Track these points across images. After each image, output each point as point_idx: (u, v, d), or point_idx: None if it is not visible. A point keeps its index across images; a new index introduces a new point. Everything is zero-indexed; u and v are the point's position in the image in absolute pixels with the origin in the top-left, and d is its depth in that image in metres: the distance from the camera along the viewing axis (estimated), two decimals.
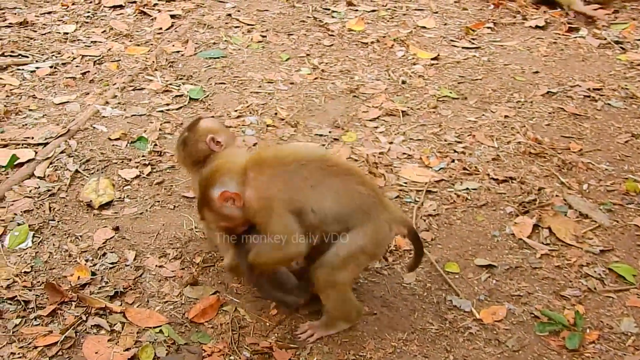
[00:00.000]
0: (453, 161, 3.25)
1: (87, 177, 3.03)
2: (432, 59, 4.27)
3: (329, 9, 5.00)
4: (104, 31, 4.47)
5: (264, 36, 4.50)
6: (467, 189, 3.06)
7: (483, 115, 3.66)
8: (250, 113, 3.58)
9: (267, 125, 3.48)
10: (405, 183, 3.10)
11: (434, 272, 2.62)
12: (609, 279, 2.57)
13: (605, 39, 4.54)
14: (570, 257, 2.67)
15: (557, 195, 3.01)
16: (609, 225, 2.84)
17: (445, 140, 3.42)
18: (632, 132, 3.49)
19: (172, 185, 3.03)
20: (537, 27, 4.78)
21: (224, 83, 3.88)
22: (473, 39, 4.59)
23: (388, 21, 4.87)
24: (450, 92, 3.88)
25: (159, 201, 2.93)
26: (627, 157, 3.29)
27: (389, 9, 5.08)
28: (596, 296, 2.50)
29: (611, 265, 2.62)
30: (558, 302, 2.48)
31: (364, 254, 2.18)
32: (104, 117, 3.49)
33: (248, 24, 4.66)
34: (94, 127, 3.39)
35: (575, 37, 4.60)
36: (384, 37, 4.56)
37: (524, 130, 3.50)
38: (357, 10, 5.01)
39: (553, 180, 3.12)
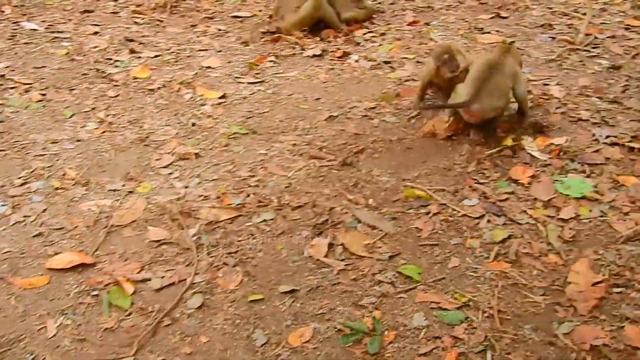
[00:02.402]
0: (248, 195, 3.37)
1: None
2: (219, 98, 4.40)
3: (111, 59, 4.96)
4: None
5: (43, 94, 4.36)
6: (265, 220, 3.19)
7: (273, 146, 3.84)
8: (35, 178, 3.46)
9: (56, 189, 3.38)
10: (206, 224, 3.16)
11: (242, 307, 2.70)
12: (399, 281, 2.81)
13: (376, 60, 4.94)
14: (364, 268, 2.88)
15: (346, 212, 3.23)
16: (395, 232, 3.10)
17: (240, 177, 3.54)
18: (405, 143, 3.83)
19: None
20: (314, 56, 5.09)
21: (3, 150, 3.71)
22: (257, 74, 4.79)
23: (173, 65, 4.93)
24: (240, 128, 4.01)
25: None
26: (403, 166, 3.61)
27: (172, 52, 5.14)
28: (390, 299, 2.72)
29: (399, 268, 2.87)
30: (357, 312, 2.67)
31: None
32: None
33: (25, 83, 4.49)
34: None
35: (349, 62, 4.96)
36: (170, 81, 4.62)
37: (311, 155, 3.71)
38: (140, 57, 5.02)
39: (342, 198, 3.35)
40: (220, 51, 5.18)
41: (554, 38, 5.28)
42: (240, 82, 4.66)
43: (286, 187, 3.44)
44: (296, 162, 3.67)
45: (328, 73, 4.79)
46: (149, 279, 2.84)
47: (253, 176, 3.54)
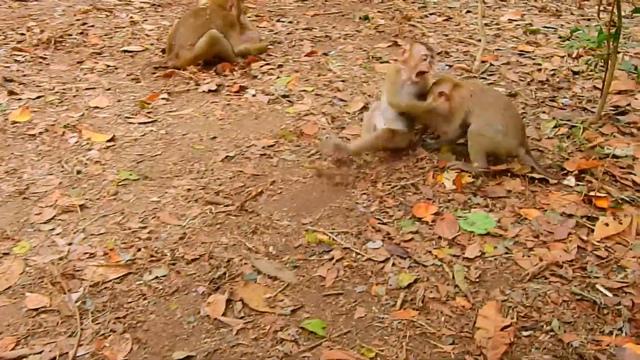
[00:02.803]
0: (139, 250, 3.12)
1: None
2: (107, 141, 4.12)
3: None
4: None
5: None
6: (157, 277, 2.96)
7: (166, 192, 3.60)
8: None
9: None
10: (92, 286, 2.89)
11: None
12: (303, 338, 2.64)
13: (274, 94, 4.79)
14: (265, 325, 2.70)
15: (245, 263, 3.04)
16: (297, 282, 2.94)
17: (130, 229, 3.28)
18: (306, 183, 3.68)
19: None
20: (210, 91, 4.89)
21: None
22: (149, 113, 4.54)
23: (57, 106, 4.61)
24: (131, 174, 3.76)
25: None
26: (304, 208, 3.46)
27: (57, 92, 4.81)
28: (293, 359, 2.55)
29: (303, 323, 2.70)
30: None
31: None
32: None
33: None
34: None
35: (247, 96, 4.79)
36: (53, 124, 4.30)
37: (207, 200, 3.50)
38: (20, 99, 4.67)
39: (240, 247, 3.16)
40: (109, 89, 4.89)
41: (451, 66, 5.31)
42: (130, 123, 4.39)
43: (180, 238, 3.22)
44: (191, 209, 3.45)
45: (224, 109, 4.60)
46: (26, 356, 2.54)
47: (144, 227, 3.30)
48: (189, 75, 5.10)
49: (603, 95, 4.06)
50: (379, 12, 6.88)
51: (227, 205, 3.48)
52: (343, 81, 5.04)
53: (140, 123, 4.39)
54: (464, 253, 3.10)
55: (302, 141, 4.14)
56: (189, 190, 3.62)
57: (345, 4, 7.24)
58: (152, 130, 4.29)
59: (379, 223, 3.34)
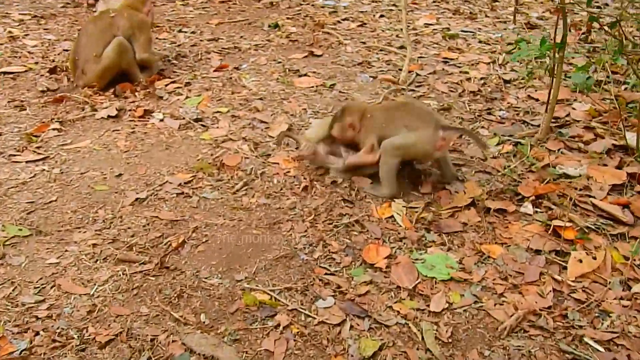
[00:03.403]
0: (37, 334, 2.50)
1: None
2: None
3: None
4: None
5: None
6: None
7: (66, 251, 2.98)
8: None
9: None
10: None
11: None
12: None
13: (184, 118, 4.22)
14: None
15: (174, 341, 2.49)
16: None
17: (23, 305, 2.65)
18: (232, 226, 3.17)
19: None
20: (109, 117, 4.25)
21: None
22: (39, 148, 3.86)
23: None
24: (20, 229, 3.10)
25: None
26: (236, 259, 2.95)
27: None
28: None
29: None
30: None
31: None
32: None
33: None
34: None
35: (153, 122, 4.19)
36: None
37: (119, 258, 2.91)
38: None
39: (165, 318, 2.61)
40: None
41: (374, 77, 4.92)
42: (16, 162, 3.70)
43: (89, 312, 2.62)
44: (99, 270, 2.86)
45: (129, 139, 3.99)
46: None
47: (42, 301, 2.68)
48: (83, 99, 4.44)
49: (549, 110, 3.77)
50: (288, 18, 6.41)
51: (143, 263, 2.91)
52: (261, 99, 4.54)
53: (28, 162, 3.71)
54: (428, 306, 2.69)
55: (224, 174, 3.61)
56: (94, 245, 3.02)
57: (250, 10, 6.73)
58: (43, 170, 3.63)
59: (326, 273, 2.88)
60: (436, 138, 3.25)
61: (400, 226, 3.19)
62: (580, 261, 2.87)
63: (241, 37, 5.86)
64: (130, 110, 4.35)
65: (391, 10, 6.82)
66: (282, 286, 2.79)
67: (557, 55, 3.64)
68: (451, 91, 4.71)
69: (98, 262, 2.91)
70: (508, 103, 4.51)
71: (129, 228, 3.15)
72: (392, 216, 3.26)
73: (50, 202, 3.34)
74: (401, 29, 6.00)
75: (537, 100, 4.54)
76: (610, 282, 2.79)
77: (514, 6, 6.57)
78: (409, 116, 3.37)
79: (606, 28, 3.48)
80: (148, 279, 2.82)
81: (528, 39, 3.81)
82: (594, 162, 3.62)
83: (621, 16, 3.40)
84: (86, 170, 3.65)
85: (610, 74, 4.70)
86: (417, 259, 2.95)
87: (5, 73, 4.85)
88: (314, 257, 2.98)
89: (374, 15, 6.61)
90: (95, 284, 2.77)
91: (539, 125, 4.09)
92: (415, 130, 3.28)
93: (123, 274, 2.83)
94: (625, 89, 4.56)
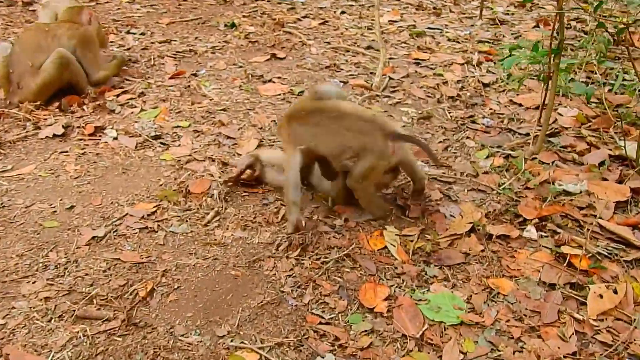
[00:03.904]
0: None
1: None
2: None
3: None
4: None
5: None
6: None
7: (13, 308, 2.54)
8: None
9: None
10: None
11: None
12: None
13: (140, 134, 3.78)
14: None
15: None
16: None
17: None
18: (196, 267, 2.78)
19: None
20: (55, 136, 3.78)
21: None
22: None
23: None
24: None
25: None
26: (215, 308, 2.57)
27: None
28: None
29: None
30: None
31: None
32: None
33: None
34: None
35: (106, 141, 3.73)
36: None
37: (78, 315, 2.49)
38: None
39: None
40: None
41: (345, 82, 4.56)
42: None
43: None
44: (55, 332, 2.43)
45: (79, 162, 3.54)
46: None
47: None
48: (23, 115, 3.94)
49: (544, 123, 3.49)
50: (244, 16, 5.98)
51: (107, 320, 2.49)
52: (224, 110, 4.14)
53: None
54: (440, 357, 2.37)
55: (191, 202, 3.20)
56: (47, 300, 2.58)
57: (202, 8, 6.25)
58: None
59: (320, 322, 2.52)
60: (388, 150, 2.90)
61: (396, 259, 2.85)
62: (601, 296, 2.59)
63: (196, 38, 5.41)
64: (78, 127, 3.88)
65: (352, 5, 6.47)
66: (272, 341, 2.42)
67: (552, 62, 3.35)
68: (428, 97, 4.40)
69: (53, 320, 2.49)
70: (490, 109, 4.22)
71: (86, 275, 2.73)
72: (386, 247, 2.92)
73: None
74: (366, 27, 5.69)
75: (520, 105, 4.27)
76: (635, 320, 2.52)
77: (479, 0, 6.29)
78: (349, 132, 2.92)
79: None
80: (114, 340, 2.41)
81: (518, 44, 3.49)
82: (593, 176, 3.36)
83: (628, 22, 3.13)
84: (32, 202, 3.18)
85: (595, 75, 4.47)
86: (420, 300, 2.62)
87: None
88: (304, 301, 2.62)
89: (334, 12, 6.24)
90: (51, 351, 2.34)
91: (527, 134, 3.82)
92: (360, 148, 2.89)
93: (84, 336, 2.41)
94: (610, 90, 4.33)
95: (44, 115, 3.99)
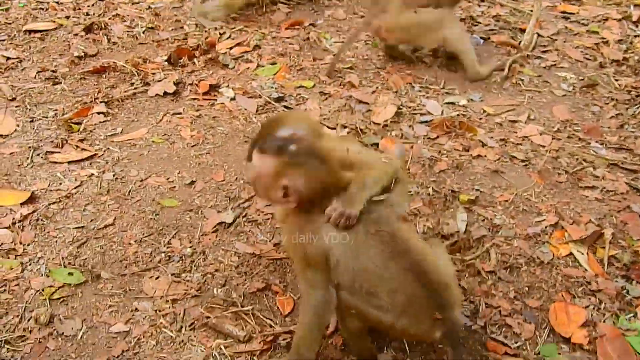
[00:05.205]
0: None
1: None
2: (22, 205, 2.57)
3: None
4: None
5: None
6: None
7: (136, 310, 2.15)
8: None
9: None
10: None
11: None
12: None
13: (260, 95, 3.32)
14: None
15: None
16: None
17: None
18: None
19: None
20: (166, 94, 3.34)
21: None
22: (81, 141, 3.00)
23: None
24: (71, 273, 2.28)
25: None
26: None
27: None
28: None
29: None
30: None
31: None
32: None
33: None
34: None
35: (222, 101, 3.29)
36: None
37: (211, 323, 2.08)
38: None
39: None
40: (13, 99, 3.26)
41: (486, 39, 3.94)
42: (55, 163, 2.84)
43: None
44: (187, 347, 2.03)
45: (195, 126, 3.11)
46: None
47: None
48: (130, 69, 3.51)
49: None
50: None
51: (246, 342, 2.06)
52: (351, 68, 3.60)
53: (70, 162, 2.84)
54: None
55: None
56: (174, 302, 2.18)
57: None
58: (92, 176, 2.76)
59: (505, 353, 2.03)
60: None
61: (586, 270, 2.31)
62: None
63: None
64: (190, 84, 3.43)
65: None
66: None
67: None
68: (587, 59, 3.75)
69: (183, 330, 2.08)
70: None
71: (216, 271, 2.32)
72: (571, 253, 2.38)
73: (105, 226, 2.49)
74: None
75: None
76: None
77: None
78: None
79: None
80: None
81: None
82: None
83: None
84: (147, 174, 2.78)
85: None
86: (627, 329, 2.09)
87: (31, 32, 3.89)
88: (479, 324, 2.12)
89: None
90: None
91: None
92: None
93: (219, 355, 2.00)
94: None
95: (152, 68, 3.55)
